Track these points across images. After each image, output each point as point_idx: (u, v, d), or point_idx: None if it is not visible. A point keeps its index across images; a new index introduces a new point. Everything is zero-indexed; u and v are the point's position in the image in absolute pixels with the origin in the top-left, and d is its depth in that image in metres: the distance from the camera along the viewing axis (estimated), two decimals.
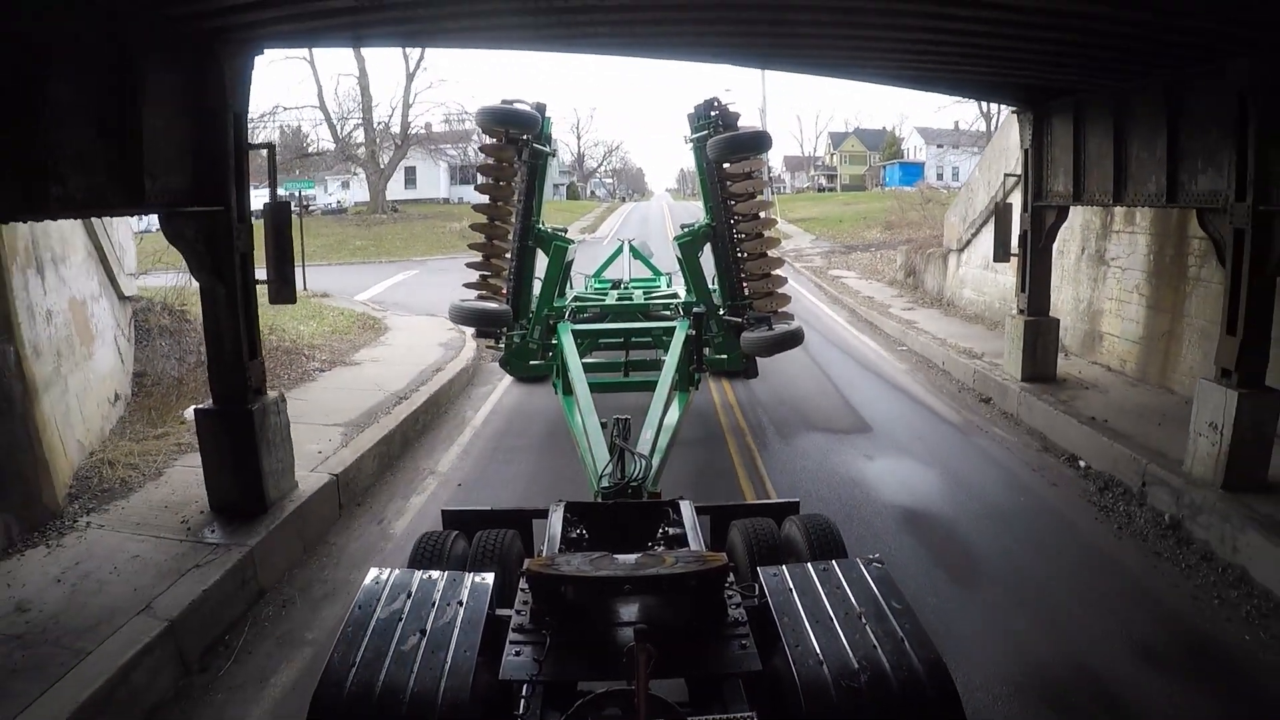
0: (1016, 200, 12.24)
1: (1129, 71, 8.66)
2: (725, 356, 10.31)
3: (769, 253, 9.60)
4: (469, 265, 9.70)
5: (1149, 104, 8.75)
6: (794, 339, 9.18)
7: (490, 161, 9.43)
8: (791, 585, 3.63)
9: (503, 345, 10.55)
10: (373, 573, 3.75)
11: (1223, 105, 7.57)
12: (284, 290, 6.76)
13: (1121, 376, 11.88)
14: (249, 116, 6.97)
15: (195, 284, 7.02)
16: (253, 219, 7.00)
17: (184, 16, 5.85)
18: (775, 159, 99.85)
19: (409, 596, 3.53)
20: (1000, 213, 11.88)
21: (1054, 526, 7.74)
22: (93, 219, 9.64)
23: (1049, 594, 6.46)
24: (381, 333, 15.95)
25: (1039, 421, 10.47)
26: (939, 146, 79.95)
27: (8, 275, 6.98)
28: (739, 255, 9.54)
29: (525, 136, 9.49)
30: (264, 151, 7.19)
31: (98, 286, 10.14)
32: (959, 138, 70.31)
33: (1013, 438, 10.25)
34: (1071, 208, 11.38)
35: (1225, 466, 7.52)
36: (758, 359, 10.66)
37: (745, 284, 9.57)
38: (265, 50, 6.58)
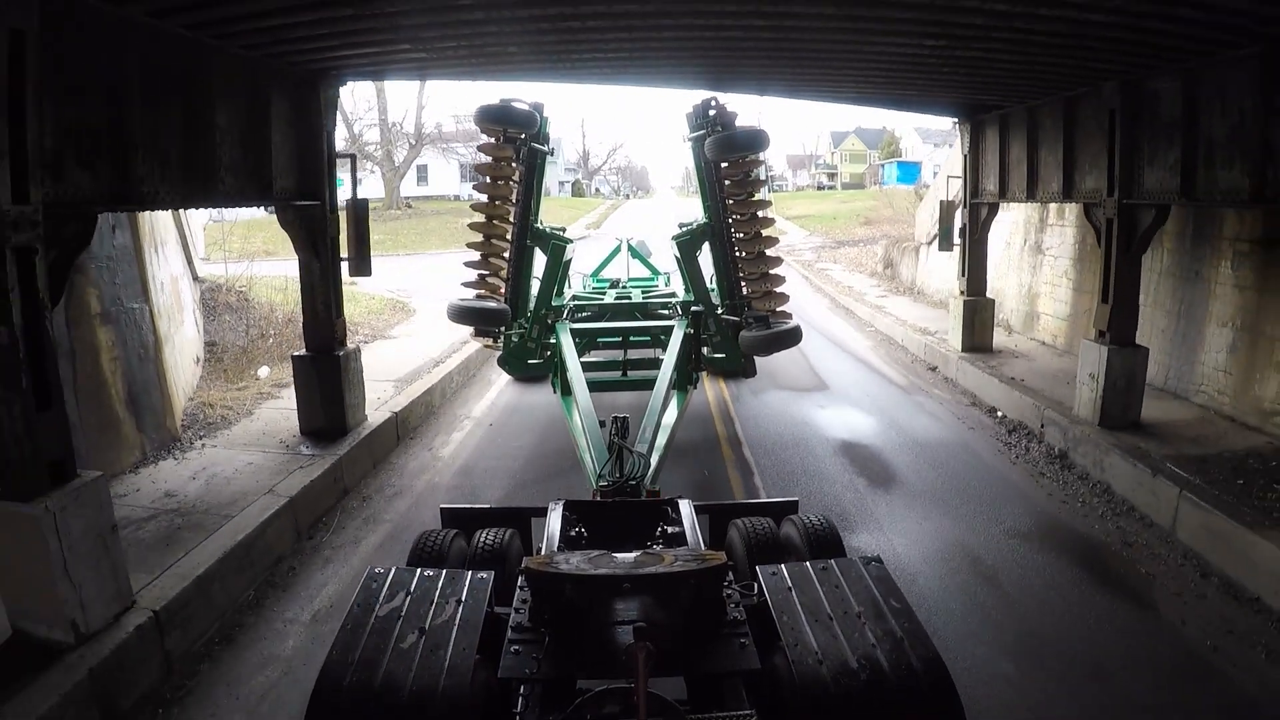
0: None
1: (1037, 92, 10.50)
2: (723, 355, 10.21)
3: (767, 252, 9.50)
4: (467, 264, 9.56)
5: (1052, 118, 10.60)
6: (792, 337, 9.08)
7: (488, 161, 9.25)
8: (790, 584, 3.63)
9: (501, 344, 10.34)
10: (372, 570, 3.75)
11: (1100, 120, 9.42)
12: (362, 266, 8.74)
13: (1051, 349, 13.74)
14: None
15: (254, 271, 9.00)
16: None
17: (296, 60, 7.74)
18: (778, 157, 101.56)
19: (408, 594, 3.52)
20: (944, 209, 13.79)
21: (962, 455, 9.62)
22: (177, 212, 11.57)
23: (945, 498, 8.33)
24: (410, 314, 17.83)
25: (970, 383, 12.36)
26: (935, 145, 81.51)
27: (143, 252, 8.89)
28: (737, 254, 9.45)
29: (523, 136, 9.32)
30: (347, 160, 9.17)
31: (183, 267, 12.08)
32: (953, 138, 71.81)
33: (947, 395, 12.14)
34: (1010, 204, 13.24)
35: (1101, 409, 9.39)
36: (755, 358, 10.73)
37: (743, 283, 9.47)
38: (348, 82, 8.50)
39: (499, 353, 10.67)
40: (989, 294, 13.92)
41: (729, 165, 9.13)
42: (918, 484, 8.65)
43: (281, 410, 9.77)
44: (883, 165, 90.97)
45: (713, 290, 10.18)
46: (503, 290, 9.65)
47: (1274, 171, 7.11)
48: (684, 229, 10.04)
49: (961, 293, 13.64)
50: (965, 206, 13.27)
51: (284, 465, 8.02)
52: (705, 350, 9.67)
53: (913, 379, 13.22)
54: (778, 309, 9.23)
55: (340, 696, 3.01)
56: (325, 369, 8.70)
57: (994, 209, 13.03)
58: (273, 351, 12.95)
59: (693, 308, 9.41)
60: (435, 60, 7.88)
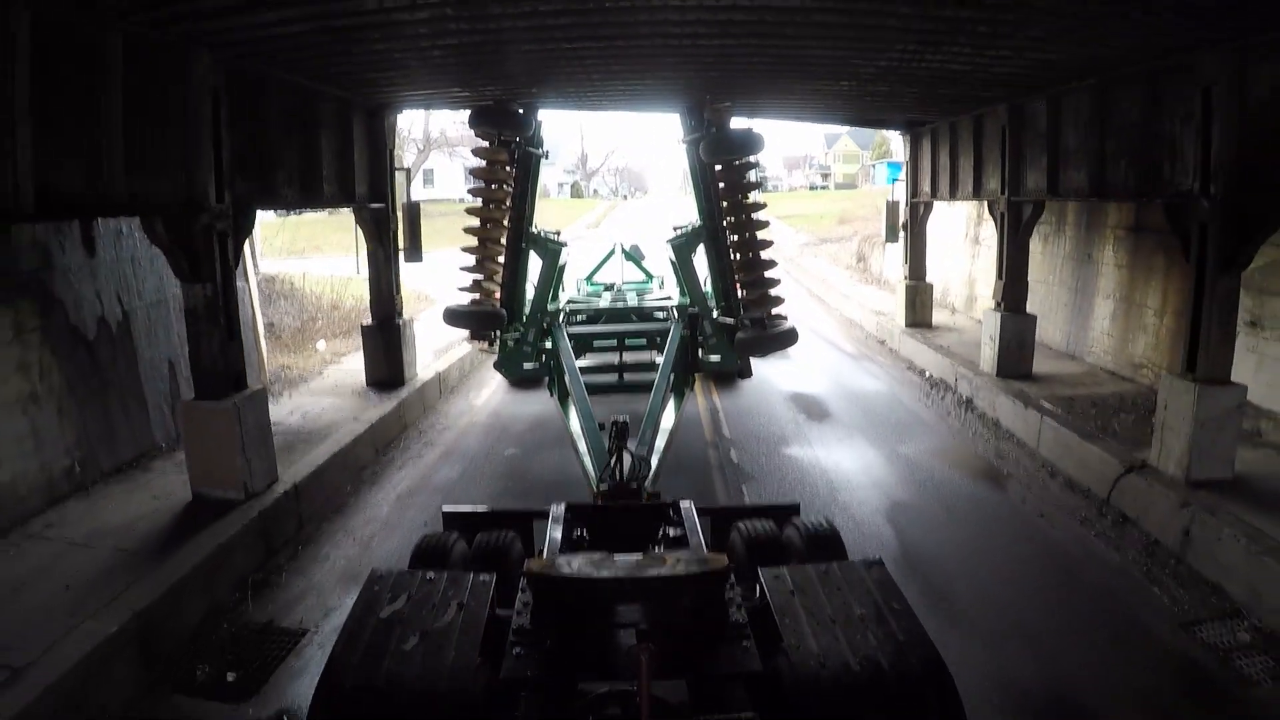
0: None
1: (956, 110, 12.76)
2: (719, 357, 9.98)
3: (762, 254, 9.32)
4: (463, 269, 9.36)
5: (967, 132, 12.85)
6: (788, 338, 8.93)
7: (483, 164, 9.11)
8: (792, 586, 3.63)
9: (496, 348, 10.18)
10: (374, 573, 3.76)
11: (996, 134, 11.69)
12: (414, 254, 11.07)
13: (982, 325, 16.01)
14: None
15: (299, 267, 11.24)
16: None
17: (370, 96, 10.01)
18: (774, 158, 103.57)
19: (410, 597, 3.52)
20: (889, 208, 16.06)
21: (888, 402, 11.91)
22: None
23: (866, 428, 10.60)
24: (432, 303, 20.04)
25: (908, 351, 14.63)
26: None
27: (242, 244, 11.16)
28: (732, 257, 9.25)
29: (517, 139, 9.19)
30: (401, 172, 11.48)
31: (249, 257, 14.37)
32: None
33: (889, 362, 14.43)
34: (953, 202, 15.48)
35: (998, 363, 11.65)
36: (752, 360, 10.61)
37: (738, 285, 9.27)
38: (404, 110, 10.80)
39: (495, 356, 10.50)
40: (940, 280, 16.22)
41: (724, 167, 8.92)
42: (847, 420, 10.92)
43: (344, 371, 12.05)
44: (874, 165, 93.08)
45: (708, 293, 10.10)
46: (498, 294, 9.43)
47: (1106, 174, 9.34)
48: (679, 232, 9.95)
49: (905, 278, 15.91)
50: (907, 205, 15.55)
51: (358, 405, 10.30)
52: (700, 353, 9.67)
53: (863, 350, 15.51)
54: (773, 310, 9.00)
55: (343, 698, 3.01)
56: (387, 334, 10.99)
57: (929, 207, 15.30)
58: (324, 330, 15.23)
59: (689, 310, 9.54)
60: (476, 96, 10.11)
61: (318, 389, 11.22)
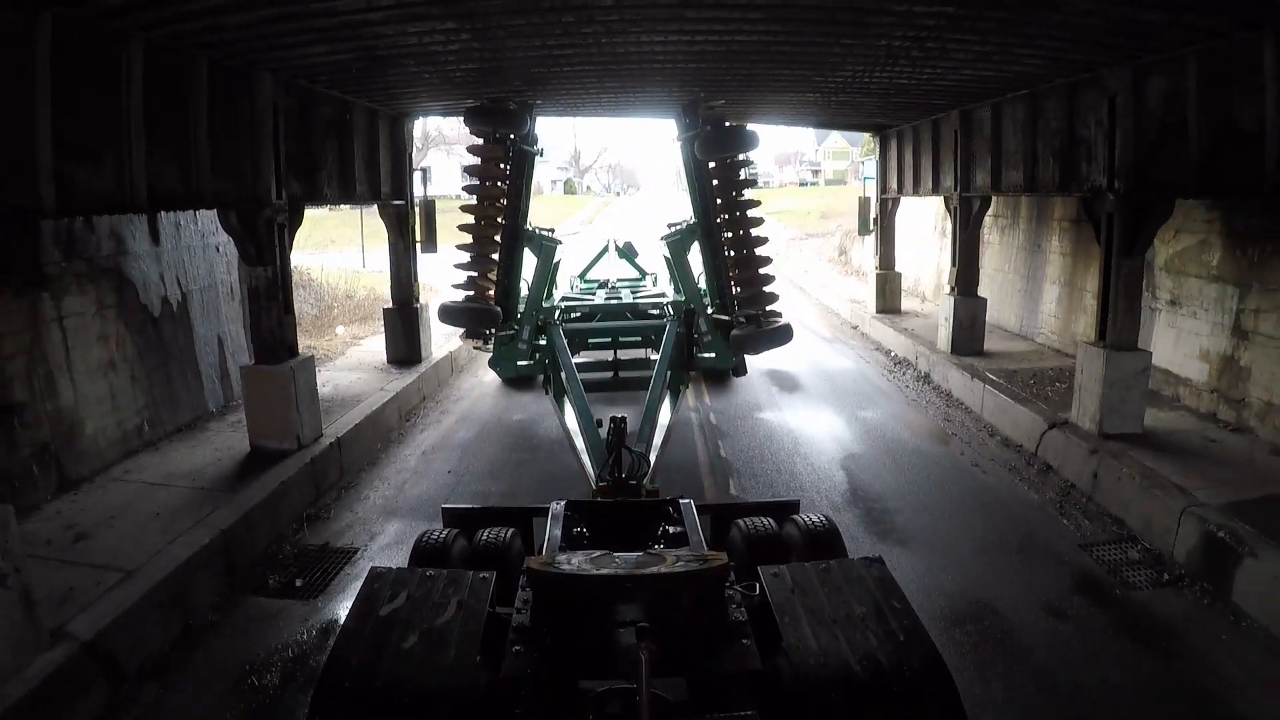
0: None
1: (917, 116, 13.98)
2: (714, 355, 10.07)
3: (757, 251, 9.14)
4: (457, 266, 9.25)
5: (927, 134, 14.08)
6: (783, 335, 8.85)
7: (477, 161, 8.97)
8: (792, 585, 3.60)
9: (491, 346, 10.12)
10: (374, 572, 3.73)
11: (950, 137, 12.92)
12: (430, 246, 12.24)
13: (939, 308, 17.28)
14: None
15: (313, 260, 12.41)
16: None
17: (395, 105, 11.19)
18: (766, 155, 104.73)
19: (410, 595, 3.50)
20: (862, 204, 17.32)
21: (854, 377, 13.15)
22: None
23: (830, 398, 11.81)
24: (436, 293, 21.15)
25: (877, 334, 15.88)
26: None
27: None
28: (727, 254, 9.14)
29: (512, 136, 9.08)
30: (418, 172, 12.66)
31: None
32: None
33: (859, 344, 15.68)
34: (921, 197, 16.72)
35: (951, 342, 12.90)
36: (747, 357, 10.71)
37: (733, 282, 9.16)
38: (421, 117, 11.97)
39: (489, 355, 10.57)
40: (912, 270, 17.45)
41: (718, 165, 8.82)
42: (814, 392, 12.16)
43: (365, 351, 13.24)
44: (863, 162, 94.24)
45: (702, 290, 10.00)
46: (491, 291, 9.27)
47: (1037, 172, 10.57)
48: (673, 229, 9.94)
49: (876, 268, 17.15)
50: (877, 200, 16.79)
51: (383, 378, 11.50)
52: (695, 350, 9.58)
53: (837, 334, 16.76)
54: (768, 307, 8.94)
55: (342, 696, 2.99)
56: (406, 316, 12.18)
57: (897, 202, 16.54)
58: (340, 317, 16.42)
59: (684, 307, 9.50)
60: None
61: (343, 366, 12.40)
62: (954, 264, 13.05)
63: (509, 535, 4.73)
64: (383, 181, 11.13)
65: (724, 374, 11.93)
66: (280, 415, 8.19)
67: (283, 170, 8.01)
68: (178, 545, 6.36)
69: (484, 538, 4.67)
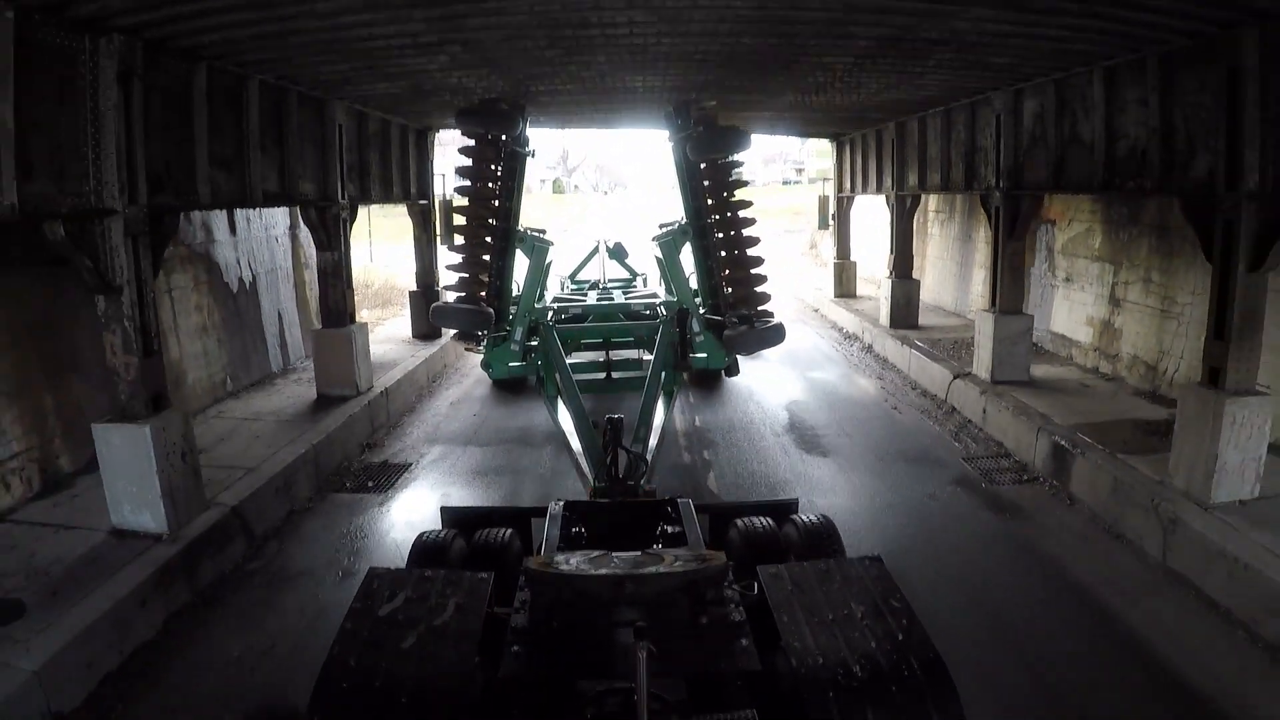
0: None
1: (864, 126, 16.13)
2: (706, 355, 9.91)
3: (749, 251, 9.10)
4: (449, 268, 9.24)
5: (872, 141, 16.22)
6: (776, 335, 8.83)
7: (469, 163, 8.86)
8: (791, 584, 3.60)
9: (484, 348, 10.10)
10: (372, 572, 3.73)
11: (887, 144, 15.08)
12: (448, 238, 14.25)
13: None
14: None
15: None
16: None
17: (422, 121, 13.26)
18: (753, 154, 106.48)
19: (408, 595, 3.50)
20: (821, 201, 19.49)
21: (809, 349, 15.31)
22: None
23: (788, 364, 13.89)
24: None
25: (833, 315, 18.05)
26: None
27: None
28: (719, 254, 9.06)
29: (504, 137, 9.00)
30: (440, 176, 14.69)
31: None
32: None
33: (817, 323, 17.84)
34: (860, 195, 18.88)
35: (889, 318, 15.05)
36: (739, 357, 10.54)
37: (726, 283, 9.13)
38: (440, 130, 14.03)
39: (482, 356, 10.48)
40: (871, 259, 19.53)
41: (710, 165, 8.79)
42: (771, 358, 14.17)
43: (390, 329, 15.30)
44: None
45: (694, 290, 9.98)
46: (483, 293, 9.19)
47: (950, 174, 12.71)
48: (665, 229, 9.94)
49: (835, 258, 19.31)
50: (835, 198, 18.94)
51: (410, 349, 13.57)
52: (689, 350, 9.55)
53: (799, 316, 18.91)
54: (760, 308, 8.94)
55: (340, 697, 2.98)
56: (429, 298, 14.23)
57: (851, 200, 18.71)
58: (362, 303, 18.41)
59: (677, 308, 9.46)
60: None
61: (375, 339, 14.41)
62: (891, 251, 15.19)
63: (507, 535, 4.69)
64: (411, 184, 13.18)
65: (714, 373, 11.75)
66: (343, 368, 10.26)
67: (344, 176, 10.07)
68: (280, 454, 8.44)
69: (482, 538, 4.63)
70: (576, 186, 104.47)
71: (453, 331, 10.02)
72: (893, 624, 3.34)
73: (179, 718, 5.01)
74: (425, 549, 4.49)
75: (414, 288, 14.75)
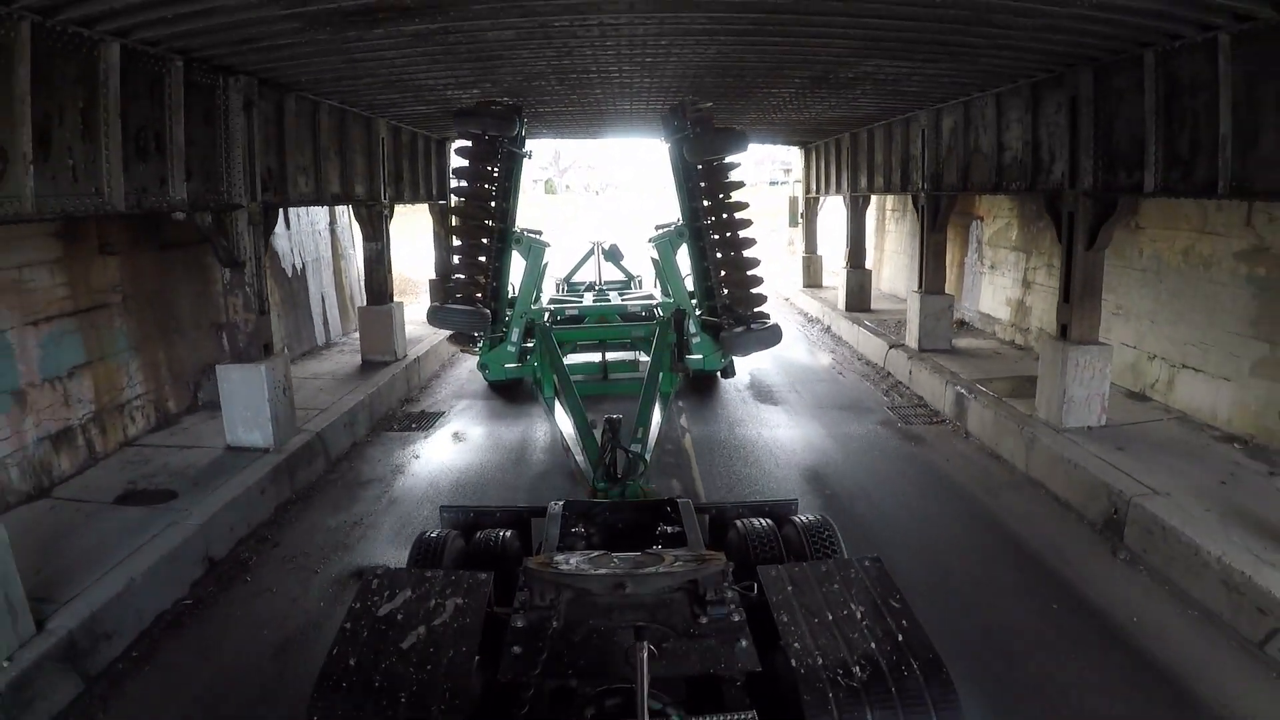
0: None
1: (825, 135, 18.25)
2: (702, 357, 9.81)
3: (745, 252, 9.04)
4: (432, 281, 8.87)
5: (834, 148, 18.35)
6: (772, 337, 8.84)
7: (466, 163, 8.80)
8: (790, 584, 3.59)
9: (480, 349, 10.02)
10: (372, 572, 3.71)
11: (843, 152, 17.20)
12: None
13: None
14: None
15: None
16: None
17: (443, 134, 15.32)
18: (745, 155, 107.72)
19: (408, 595, 3.48)
20: (791, 202, 21.63)
21: None
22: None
23: None
24: None
25: (800, 303, 20.20)
26: None
27: (341, 235, 16.45)
28: (716, 256, 8.95)
29: (502, 138, 8.95)
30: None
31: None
32: None
33: (785, 309, 19.96)
34: (824, 196, 21.01)
35: (845, 302, 17.18)
36: (735, 359, 10.54)
37: (723, 284, 9.02)
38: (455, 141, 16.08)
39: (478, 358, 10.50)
40: (838, 253, 21.60)
41: (707, 167, 8.78)
42: None
43: (411, 312, 17.25)
44: None
45: (690, 292, 9.89)
46: (479, 294, 9.15)
47: (891, 178, 14.82)
48: (661, 230, 9.88)
49: (804, 253, 21.44)
50: (803, 199, 21.07)
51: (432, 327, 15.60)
52: (685, 352, 9.54)
53: (771, 304, 20.98)
54: (756, 309, 8.94)
55: (340, 697, 2.95)
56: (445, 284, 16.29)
57: (817, 200, 20.83)
58: None
59: (674, 309, 9.43)
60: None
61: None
62: (847, 245, 17.32)
63: (507, 535, 4.67)
64: (433, 186, 15.23)
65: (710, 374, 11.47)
66: (384, 338, 12.32)
67: (387, 180, 12.13)
68: (343, 401, 10.51)
69: (482, 538, 4.61)
70: (568, 186, 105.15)
71: (448, 333, 9.97)
72: (892, 624, 3.32)
73: (295, 564, 7.04)
74: (425, 549, 4.46)
75: (433, 275, 16.77)
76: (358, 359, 12.73)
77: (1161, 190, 7.59)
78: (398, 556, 6.90)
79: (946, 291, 13.38)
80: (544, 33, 6.95)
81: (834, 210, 21.87)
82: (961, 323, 15.41)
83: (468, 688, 3.04)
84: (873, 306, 17.26)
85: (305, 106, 9.55)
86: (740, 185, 9.21)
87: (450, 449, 9.88)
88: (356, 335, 14.60)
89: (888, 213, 20.27)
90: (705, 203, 8.82)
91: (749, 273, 8.86)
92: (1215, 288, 9.45)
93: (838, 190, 18.25)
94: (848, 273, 17.14)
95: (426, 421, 10.96)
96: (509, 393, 11.87)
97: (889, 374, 13.26)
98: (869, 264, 21.39)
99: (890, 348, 13.60)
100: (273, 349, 8.67)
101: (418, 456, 9.60)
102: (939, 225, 12.89)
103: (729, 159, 8.82)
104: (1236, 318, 9.13)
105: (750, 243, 8.81)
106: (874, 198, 21.27)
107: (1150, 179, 7.61)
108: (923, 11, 6.30)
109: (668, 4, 6.15)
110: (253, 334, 8.37)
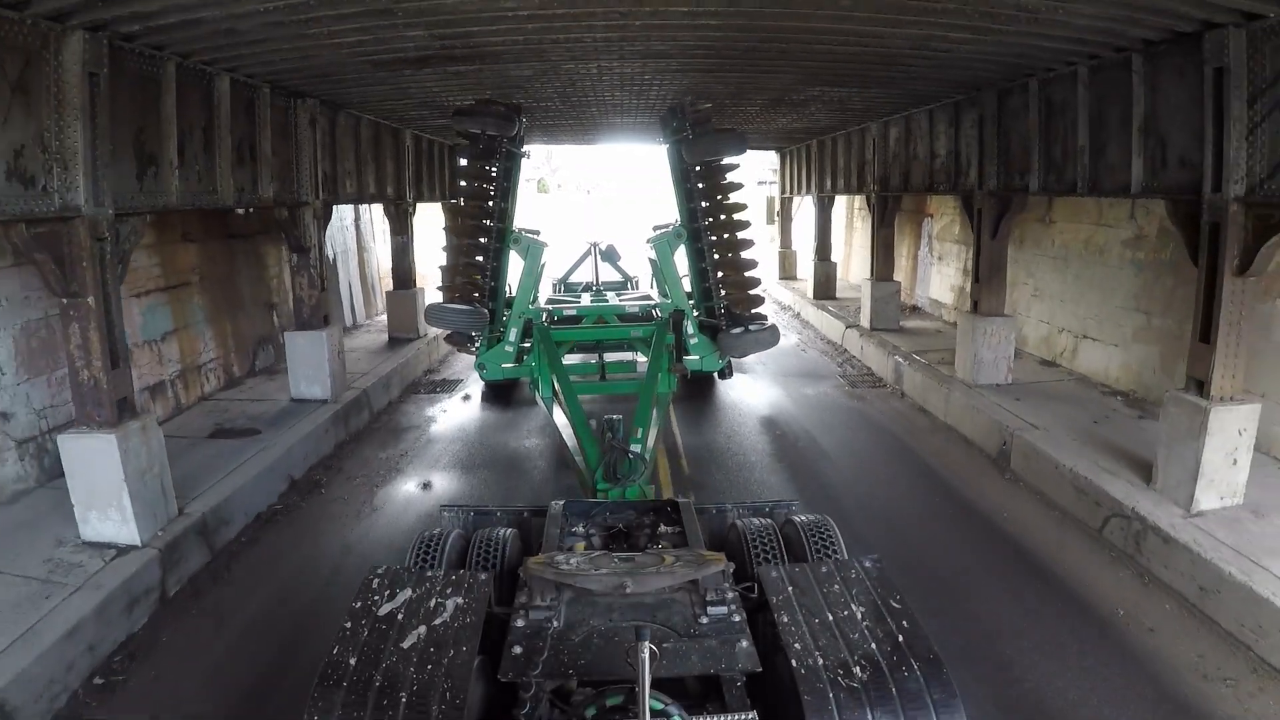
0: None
1: (795, 142, 20.16)
2: (699, 358, 9.72)
3: (743, 254, 9.10)
4: (443, 268, 9.22)
5: (804, 153, 20.27)
6: (770, 338, 8.70)
7: (464, 163, 8.37)
8: (791, 585, 3.56)
9: (477, 349, 9.98)
10: (373, 571, 3.69)
11: (814, 155, 19.13)
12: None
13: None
14: None
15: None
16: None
17: (454, 138, 17.17)
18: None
19: (408, 595, 3.47)
20: (768, 202, 23.52)
21: None
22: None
23: None
24: None
25: (775, 293, 22.07)
26: None
27: (364, 231, 18.29)
28: (714, 257, 8.95)
29: (502, 138, 8.93)
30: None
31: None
32: None
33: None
34: (798, 195, 22.92)
35: (813, 291, 19.11)
36: (733, 360, 10.51)
37: (721, 286, 9.02)
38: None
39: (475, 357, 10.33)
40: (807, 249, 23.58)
41: (705, 168, 8.68)
42: None
43: (428, 296, 19.20)
44: None
45: (688, 293, 9.90)
46: (477, 294, 9.08)
47: (850, 179, 16.73)
48: (659, 232, 9.86)
49: (779, 248, 23.38)
50: (779, 199, 23.00)
51: None
52: (683, 353, 9.52)
53: None
54: (753, 310, 8.77)
55: (340, 696, 2.93)
56: None
57: (790, 200, 22.77)
58: None
59: (672, 310, 9.33)
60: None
61: None
62: (816, 239, 19.25)
63: (508, 536, 4.63)
64: (447, 187, 17.09)
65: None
66: (409, 318, 14.19)
67: (411, 181, 13.99)
68: (379, 368, 12.39)
69: (483, 538, 4.58)
70: (560, 185, 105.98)
71: (446, 332, 10.02)
72: (893, 625, 3.30)
73: (357, 483, 8.90)
74: (426, 549, 4.46)
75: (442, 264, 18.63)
76: (384, 337, 14.60)
77: (1041, 190, 9.51)
78: (437, 478, 8.81)
79: (898, 279, 15.32)
80: (554, 71, 8.80)
81: (810, 209, 23.81)
82: (915, 307, 17.39)
83: (467, 688, 3.01)
84: (838, 295, 19.17)
85: (351, 121, 11.40)
86: (739, 186, 9.32)
87: (470, 406, 11.77)
88: (379, 318, 16.50)
89: (856, 211, 22.18)
90: (703, 204, 8.88)
91: (747, 274, 8.91)
92: (1108, 270, 11.38)
93: (808, 191, 20.17)
94: (815, 265, 19.07)
95: (448, 387, 12.83)
96: (508, 389, 12.00)
97: (845, 350, 15.19)
98: (840, 258, 23.38)
99: (847, 328, 15.53)
100: (329, 319, 10.52)
101: (445, 411, 11.49)
102: (887, 221, 14.84)
103: (727, 160, 8.87)
104: (1123, 294, 11.06)
105: (748, 244, 8.87)
106: (844, 198, 23.22)
107: (1035, 181, 9.52)
108: (844, 53, 8.16)
109: (649, 52, 8.00)
110: (315, 306, 10.23)
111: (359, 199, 12.14)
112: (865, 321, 15.17)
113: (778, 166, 22.62)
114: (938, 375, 11.59)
